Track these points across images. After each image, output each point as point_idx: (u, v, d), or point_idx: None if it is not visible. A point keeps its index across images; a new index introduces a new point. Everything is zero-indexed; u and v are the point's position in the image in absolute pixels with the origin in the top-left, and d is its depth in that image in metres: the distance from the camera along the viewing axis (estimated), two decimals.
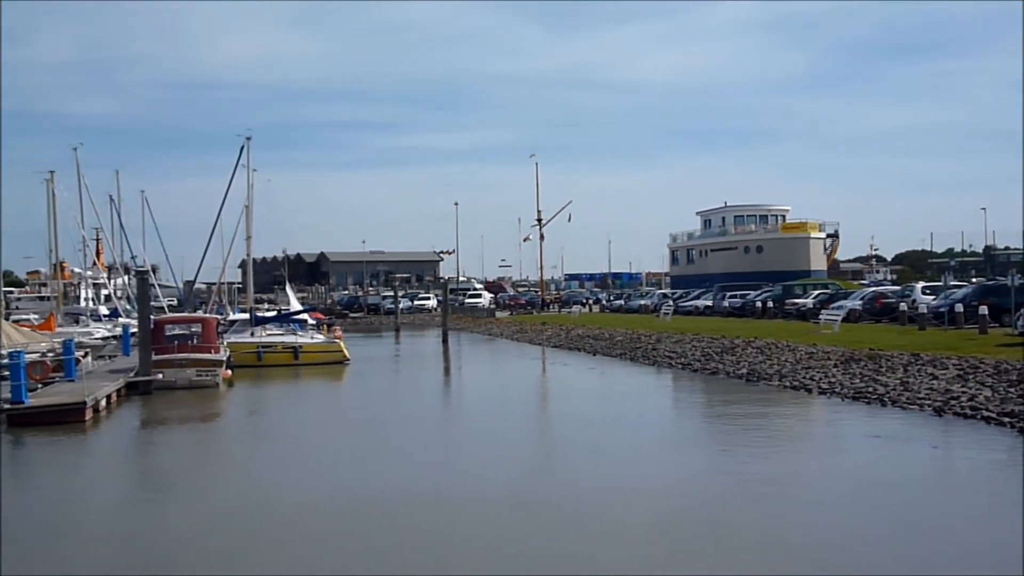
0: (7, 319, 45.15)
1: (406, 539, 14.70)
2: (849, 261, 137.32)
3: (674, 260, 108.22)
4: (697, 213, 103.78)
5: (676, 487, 18.01)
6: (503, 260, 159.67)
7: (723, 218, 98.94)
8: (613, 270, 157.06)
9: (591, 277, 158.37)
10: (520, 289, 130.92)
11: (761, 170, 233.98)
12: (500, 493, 17.70)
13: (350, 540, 14.72)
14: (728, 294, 68.62)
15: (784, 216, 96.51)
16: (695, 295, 76.25)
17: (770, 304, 61.52)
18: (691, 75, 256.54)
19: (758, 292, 66.75)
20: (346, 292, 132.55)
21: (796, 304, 58.00)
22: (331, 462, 22.01)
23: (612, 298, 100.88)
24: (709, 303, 70.34)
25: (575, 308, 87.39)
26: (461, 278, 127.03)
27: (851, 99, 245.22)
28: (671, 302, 70.94)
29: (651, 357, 44.37)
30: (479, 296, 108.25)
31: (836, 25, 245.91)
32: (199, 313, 52.83)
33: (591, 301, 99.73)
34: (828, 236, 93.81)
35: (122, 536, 15.87)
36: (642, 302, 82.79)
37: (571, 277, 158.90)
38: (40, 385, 32.02)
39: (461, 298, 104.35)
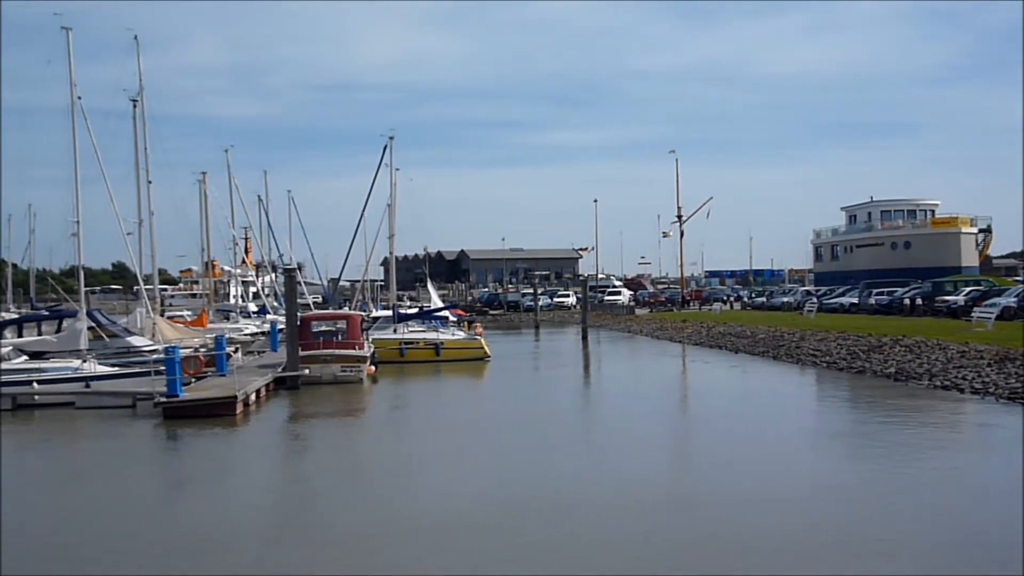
0: (162, 315, 46.76)
1: (544, 539, 14.73)
2: (1003, 257, 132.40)
3: (818, 256, 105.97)
4: (842, 208, 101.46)
5: (820, 491, 17.66)
6: (642, 257, 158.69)
7: (869, 213, 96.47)
8: (754, 267, 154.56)
9: (732, 274, 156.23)
10: (659, 286, 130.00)
11: (906, 164, 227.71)
12: (641, 493, 17.61)
13: (489, 540, 14.81)
14: (874, 291, 66.91)
15: (933, 211, 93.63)
16: (840, 292, 74.52)
17: (918, 301, 59.74)
18: (830, 68, 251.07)
19: (906, 289, 64.94)
20: (486, 289, 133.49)
21: (946, 301, 56.18)
22: (472, 459, 22.20)
23: (754, 295, 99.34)
24: (855, 300, 68.67)
25: (716, 305, 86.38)
26: (600, 275, 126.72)
27: (1002, 89, 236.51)
28: (815, 299, 69.55)
29: (794, 355, 43.60)
30: (618, 293, 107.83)
31: (981, 15, 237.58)
32: (344, 310, 53.90)
33: (732, 298, 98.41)
34: (980, 231, 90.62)
35: (267, 528, 16.29)
36: (785, 299, 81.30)
37: (711, 274, 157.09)
38: (193, 379, 33.10)
39: (600, 295, 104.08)
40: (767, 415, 27.69)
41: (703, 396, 34.40)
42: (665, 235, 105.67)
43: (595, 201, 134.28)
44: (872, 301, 64.95)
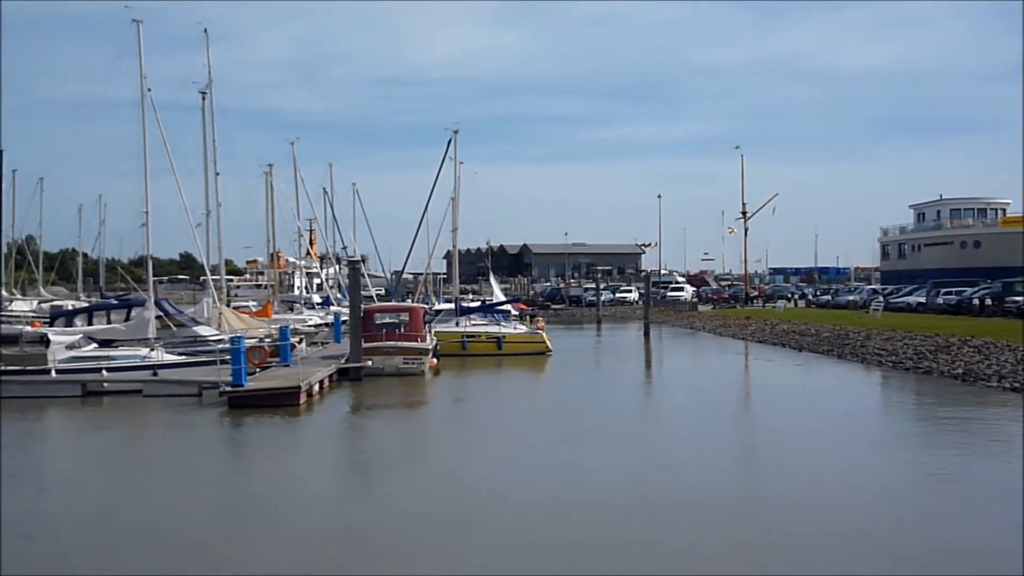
0: (228, 306, 47.33)
1: (602, 536, 14.73)
2: None
3: (884, 254, 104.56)
4: (910, 206, 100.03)
5: (881, 493, 17.46)
6: (706, 253, 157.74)
7: (938, 211, 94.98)
8: (819, 264, 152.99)
9: (796, 271, 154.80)
10: (723, 283, 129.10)
11: (977, 162, 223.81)
12: (701, 492, 17.53)
13: (547, 535, 14.83)
14: (942, 291, 65.91)
15: (1004, 209, 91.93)
16: (907, 291, 73.49)
17: (987, 302, 58.73)
18: (898, 64, 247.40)
19: (975, 289, 63.84)
20: (548, 284, 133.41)
21: (1016, 302, 55.17)
22: (533, 453, 22.22)
23: (818, 293, 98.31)
24: (922, 299, 67.67)
25: (780, 303, 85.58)
26: (663, 271, 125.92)
27: None
28: (881, 298, 68.65)
29: (859, 354, 43.10)
30: (681, 289, 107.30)
31: None
32: (407, 303, 54.17)
33: (796, 296, 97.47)
34: None
35: (328, 517, 16.44)
36: (850, 298, 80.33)
37: (775, 271, 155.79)
38: (258, 369, 33.48)
39: (663, 291, 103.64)
40: (830, 414, 27.40)
41: (766, 394, 34.14)
42: (730, 231, 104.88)
43: (659, 197, 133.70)
44: (940, 301, 63.98)
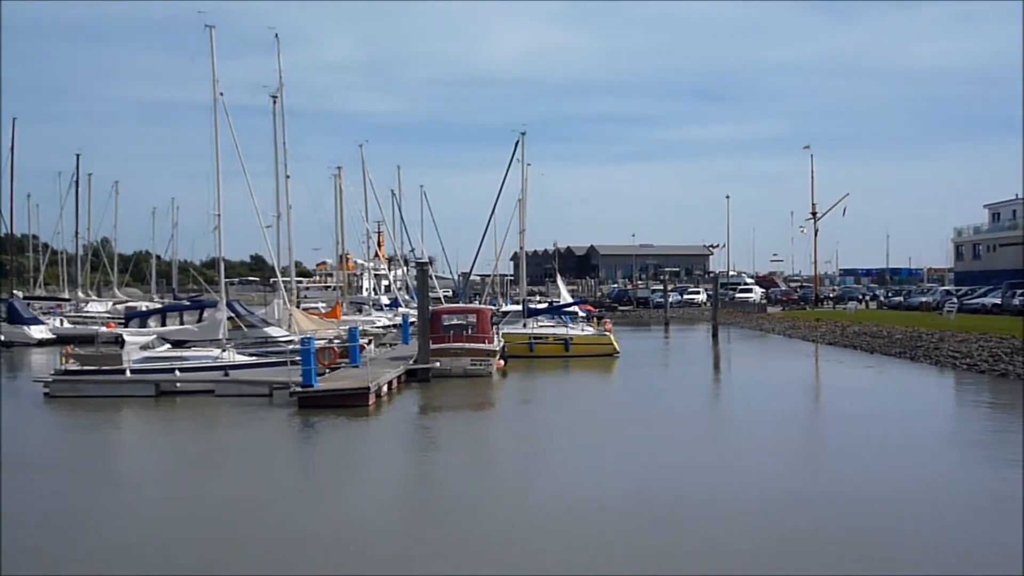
0: (298, 307, 47.79)
1: (667, 537, 14.67)
2: None
3: (959, 255, 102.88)
4: (985, 206, 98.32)
5: (951, 499, 17.19)
6: (775, 254, 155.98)
7: (1014, 211, 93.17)
8: (891, 265, 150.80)
9: (867, 272, 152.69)
10: (792, 284, 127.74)
11: None
12: (767, 494, 17.39)
13: (613, 536, 14.80)
14: (1018, 291, 64.66)
15: None
16: (982, 292, 72.19)
17: None
18: (971, 61, 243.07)
19: None
20: (615, 285, 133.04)
21: None
22: (600, 455, 22.18)
23: (890, 294, 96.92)
24: (997, 301, 66.42)
25: (851, 304, 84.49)
26: (731, 272, 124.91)
27: None
28: (955, 299, 67.51)
29: (933, 356, 42.43)
30: (750, 291, 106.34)
31: None
32: (474, 304, 54.28)
33: (867, 297, 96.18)
34: None
35: (396, 518, 16.55)
36: (923, 299, 79.09)
37: (846, 272, 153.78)
38: (328, 370, 33.76)
39: (731, 292, 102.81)
40: (902, 417, 27.04)
41: (836, 396, 33.72)
42: (801, 231, 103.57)
43: (727, 197, 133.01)
44: (1016, 302, 62.77)
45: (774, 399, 31.97)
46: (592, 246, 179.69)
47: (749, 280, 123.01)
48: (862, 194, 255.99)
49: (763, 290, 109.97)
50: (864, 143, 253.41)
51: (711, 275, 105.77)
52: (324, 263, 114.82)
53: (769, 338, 64.53)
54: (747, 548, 13.91)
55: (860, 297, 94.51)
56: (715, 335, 62.66)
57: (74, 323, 64.14)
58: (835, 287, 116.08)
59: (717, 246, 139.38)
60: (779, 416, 27.75)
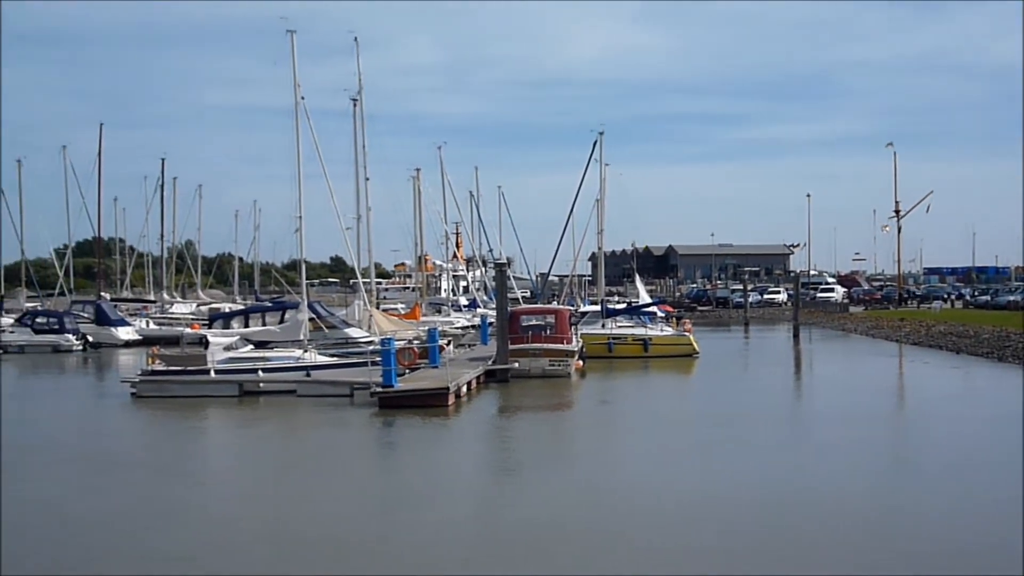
0: (377, 308, 48.17)
1: (747, 540, 14.55)
2: None
3: None
4: None
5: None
6: (856, 253, 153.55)
7: None
8: (977, 263, 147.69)
9: (952, 271, 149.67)
10: (875, 283, 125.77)
11: None
12: (848, 500, 17.13)
13: (691, 539, 14.71)
14: None
15: None
16: None
17: None
18: None
19: None
20: (694, 285, 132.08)
21: None
22: (679, 456, 22.09)
23: (976, 293, 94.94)
24: None
25: (935, 304, 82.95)
26: (812, 272, 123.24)
27: None
28: None
29: (1022, 357, 41.49)
30: (831, 290, 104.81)
31: None
32: (552, 304, 54.25)
33: (953, 296, 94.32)
34: None
35: (477, 518, 16.61)
36: (1011, 298, 77.35)
37: (930, 271, 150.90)
38: (408, 370, 33.96)
39: (812, 292, 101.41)
40: (989, 420, 26.49)
41: (920, 397, 33.20)
42: (884, 229, 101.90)
43: (807, 196, 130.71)
44: None
45: (857, 401, 31.46)
46: (670, 246, 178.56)
47: (831, 279, 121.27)
48: (947, 192, 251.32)
49: (845, 289, 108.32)
50: (948, 140, 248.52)
51: (792, 274, 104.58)
52: (403, 264, 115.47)
53: (851, 338, 63.63)
54: (818, 555, 13.75)
55: (945, 296, 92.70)
56: (796, 335, 61.92)
57: (159, 324, 65.32)
58: (919, 286, 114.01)
59: (798, 245, 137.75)
60: (862, 418, 27.32)
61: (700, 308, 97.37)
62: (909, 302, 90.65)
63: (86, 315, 61.37)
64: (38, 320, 57.93)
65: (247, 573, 13.22)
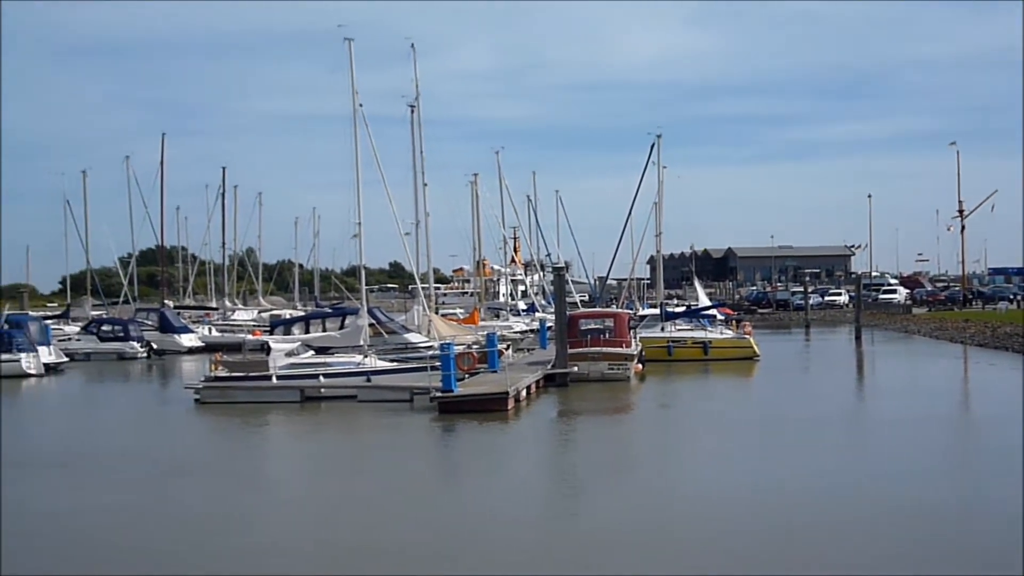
0: (436, 313, 48.36)
1: (809, 547, 14.42)
2: None
3: None
4: None
5: None
6: (919, 254, 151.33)
7: None
8: None
9: (1019, 271, 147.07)
10: (938, 284, 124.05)
11: None
12: (913, 504, 16.88)
13: (754, 546, 14.59)
14: None
15: None
16: None
17: None
18: None
19: None
20: (754, 288, 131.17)
21: None
22: (740, 460, 21.92)
23: None
24: None
25: (1001, 304, 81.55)
26: (874, 273, 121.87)
27: None
28: None
29: None
30: (894, 291, 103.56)
31: None
32: (611, 308, 54.13)
33: (1019, 297, 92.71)
34: None
35: (537, 522, 16.62)
36: None
37: (995, 271, 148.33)
38: (467, 375, 34.02)
39: (874, 294, 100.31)
40: None
41: (986, 401, 32.66)
42: (948, 229, 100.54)
43: (868, 196, 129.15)
44: None
45: (922, 404, 31.00)
46: (729, 248, 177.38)
47: (893, 280, 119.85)
48: (1012, 190, 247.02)
49: (908, 291, 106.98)
50: (1012, 138, 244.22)
51: (853, 276, 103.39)
52: (461, 269, 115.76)
53: (915, 340, 62.78)
54: (885, 561, 13.59)
55: (1011, 297, 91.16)
56: (858, 337, 61.26)
57: (222, 331, 66.10)
58: (984, 286, 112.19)
59: (859, 246, 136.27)
60: (927, 421, 26.95)
61: (760, 311, 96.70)
62: (974, 303, 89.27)
63: (150, 323, 62.29)
64: (103, 328, 58.91)
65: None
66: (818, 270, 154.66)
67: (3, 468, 22.19)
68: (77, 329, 60.79)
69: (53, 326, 57.76)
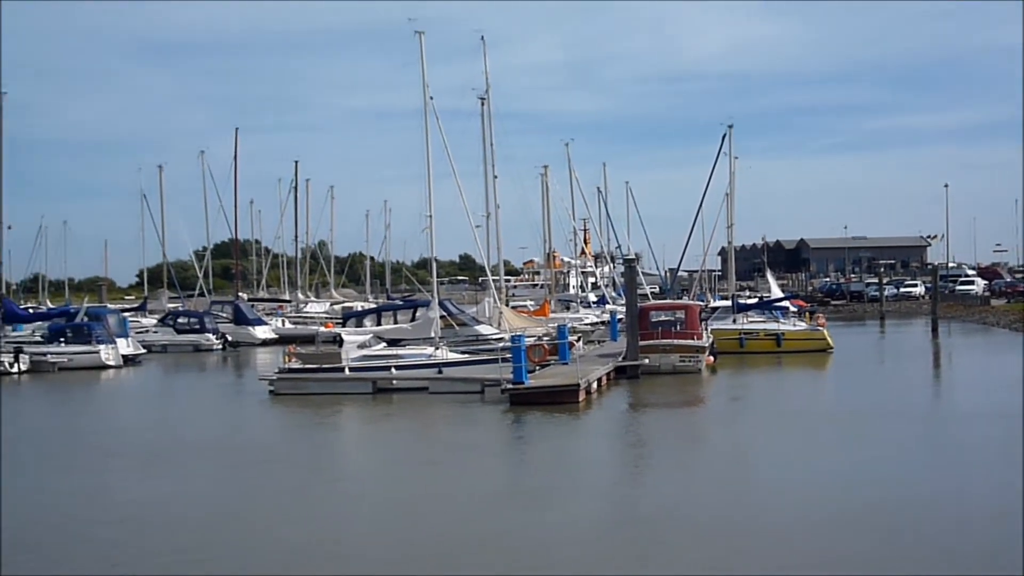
0: (507, 305, 48.44)
1: (884, 545, 14.25)
2: None
3: None
4: None
5: None
6: (998, 245, 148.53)
7: None
8: None
9: None
10: (1017, 275, 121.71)
11: None
12: (988, 502, 16.58)
13: (829, 542, 14.45)
14: None
15: None
16: None
17: None
18: None
19: None
20: (827, 279, 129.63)
21: None
22: (816, 454, 21.74)
23: None
24: None
25: None
26: (950, 264, 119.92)
27: None
28: None
29: None
30: (971, 283, 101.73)
31: None
32: (682, 300, 53.84)
33: None
34: None
35: (608, 514, 16.61)
36: None
37: None
38: (538, 367, 34.06)
39: (951, 285, 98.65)
40: None
41: None
42: None
43: (945, 186, 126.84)
44: None
45: (1001, 399, 30.41)
46: (802, 239, 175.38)
47: (970, 272, 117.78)
48: None
49: (986, 282, 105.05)
50: None
51: (929, 267, 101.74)
52: (531, 261, 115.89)
53: (993, 332, 61.62)
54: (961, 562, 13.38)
55: None
56: (935, 329, 60.23)
57: (295, 323, 66.95)
58: None
59: (935, 237, 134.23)
60: (1006, 416, 26.42)
61: (833, 302, 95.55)
62: None
63: (225, 315, 63.20)
64: (180, 320, 59.95)
65: (378, 570, 13.45)
66: (893, 261, 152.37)
67: (85, 455, 22.77)
68: (154, 321, 61.93)
69: (131, 318, 58.89)
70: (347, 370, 33.43)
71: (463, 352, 35.55)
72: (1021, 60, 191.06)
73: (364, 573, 13.27)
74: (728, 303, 52.82)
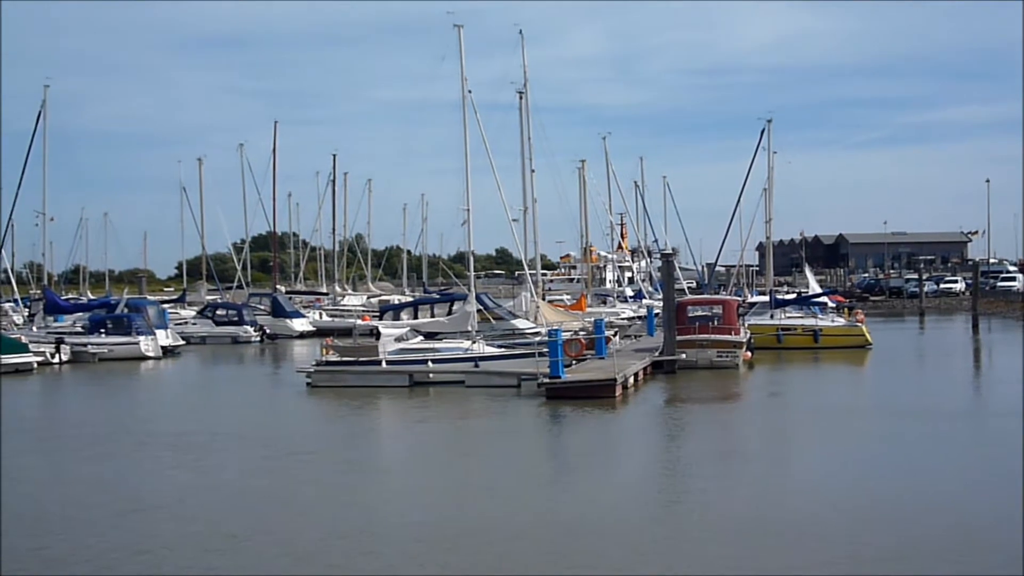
0: (543, 300, 48.44)
1: (911, 544, 14.15)
2: None
3: None
4: None
5: None
6: None
7: None
8: None
9: None
10: None
11: None
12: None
13: (863, 540, 14.35)
14: None
15: None
16: None
17: None
18: None
19: None
20: (866, 275, 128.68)
21: None
22: (853, 451, 21.59)
23: None
24: None
25: None
26: (991, 259, 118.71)
27: None
28: None
29: None
30: (1013, 279, 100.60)
31: None
32: (720, 295, 53.63)
33: None
34: None
35: (643, 509, 16.58)
36: None
37: None
38: (574, 361, 34.01)
39: (992, 281, 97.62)
40: None
41: None
42: None
43: (987, 181, 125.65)
44: None
45: None
46: (841, 234, 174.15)
47: (1012, 267, 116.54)
48: None
49: None
50: None
51: (970, 263, 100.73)
52: (568, 255, 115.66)
53: None
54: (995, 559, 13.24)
55: None
56: (975, 326, 59.71)
57: (332, 316, 67.26)
58: None
59: (976, 232, 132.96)
60: None
61: (872, 298, 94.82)
62: None
63: (263, 307, 63.65)
64: (218, 312, 60.44)
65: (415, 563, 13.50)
66: (933, 257, 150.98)
67: (124, 444, 23.01)
68: (193, 313, 62.39)
69: (170, 310, 59.47)
70: (384, 363, 33.54)
71: (500, 346, 35.59)
72: (1021, 60, 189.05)
73: (401, 560, 13.33)
74: (766, 298, 52.58)
